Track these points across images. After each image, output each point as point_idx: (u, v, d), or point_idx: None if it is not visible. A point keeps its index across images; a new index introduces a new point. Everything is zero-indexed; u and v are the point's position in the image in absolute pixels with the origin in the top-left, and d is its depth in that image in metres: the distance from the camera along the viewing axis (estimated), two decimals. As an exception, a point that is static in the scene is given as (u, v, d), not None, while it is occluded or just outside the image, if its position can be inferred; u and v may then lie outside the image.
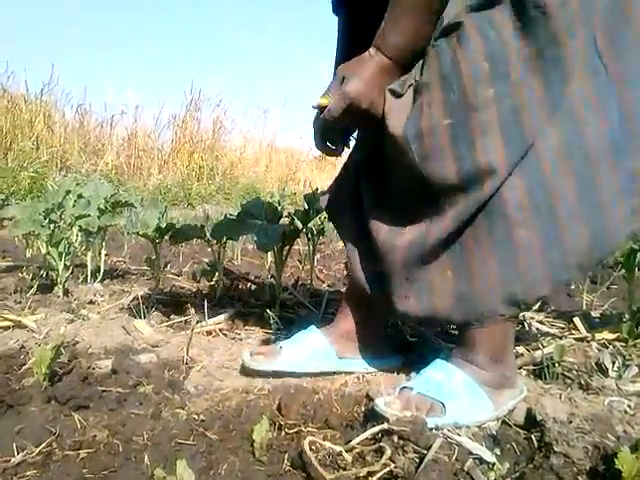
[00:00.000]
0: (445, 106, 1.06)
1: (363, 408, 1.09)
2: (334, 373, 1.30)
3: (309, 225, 2.04)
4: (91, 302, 1.99)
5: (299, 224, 1.93)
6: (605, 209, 1.03)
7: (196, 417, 1.05)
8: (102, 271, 2.39)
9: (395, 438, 0.92)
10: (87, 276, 2.37)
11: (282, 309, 1.92)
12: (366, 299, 1.32)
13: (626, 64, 1.02)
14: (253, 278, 2.42)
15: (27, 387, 1.16)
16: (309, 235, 2.20)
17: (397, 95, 1.13)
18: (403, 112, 1.11)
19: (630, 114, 1.02)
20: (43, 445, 0.91)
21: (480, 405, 1.08)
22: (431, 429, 0.98)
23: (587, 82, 1.01)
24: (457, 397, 1.07)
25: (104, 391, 1.15)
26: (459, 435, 0.98)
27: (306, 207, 1.98)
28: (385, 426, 0.95)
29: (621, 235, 1.06)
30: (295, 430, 1.01)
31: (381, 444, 0.92)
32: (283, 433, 1.01)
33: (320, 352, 1.33)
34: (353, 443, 0.94)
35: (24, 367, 1.26)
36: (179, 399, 1.11)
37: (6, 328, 1.49)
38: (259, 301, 2.02)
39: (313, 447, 0.92)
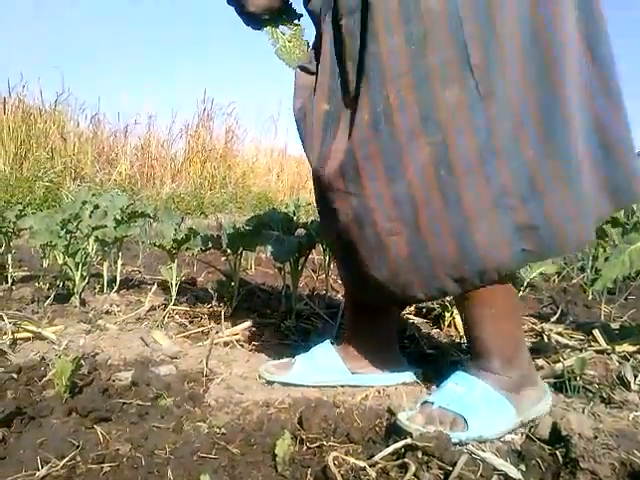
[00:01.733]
0: (327, 92, 1.12)
1: (385, 422, 1.08)
2: (353, 386, 1.29)
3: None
4: (107, 312, 2.00)
5: (315, 235, 1.93)
6: (471, 223, 1.03)
7: (218, 431, 1.05)
8: (118, 281, 2.40)
9: (419, 454, 0.91)
10: (103, 286, 2.38)
11: (298, 320, 1.92)
12: (367, 312, 1.34)
13: (493, 80, 1.01)
14: (268, 288, 2.42)
15: (48, 399, 1.16)
16: (324, 245, 2.20)
17: (309, 72, 1.18)
18: (307, 90, 1.17)
19: (496, 130, 1.02)
20: (67, 459, 0.91)
21: (503, 413, 1.07)
22: (455, 444, 0.97)
23: (458, 95, 1.01)
24: (479, 409, 1.06)
25: (124, 403, 1.15)
26: (483, 451, 0.97)
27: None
28: (408, 441, 0.95)
29: (502, 252, 1.04)
30: (317, 444, 1.01)
31: (405, 460, 0.91)
32: (305, 447, 1.01)
33: (332, 368, 1.33)
34: (376, 458, 0.93)
35: (45, 379, 1.26)
36: (200, 412, 1.11)
37: (26, 339, 1.49)
38: (275, 312, 2.02)
39: (336, 462, 0.91)
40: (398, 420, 1.02)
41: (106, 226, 2.25)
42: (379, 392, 1.22)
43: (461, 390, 1.11)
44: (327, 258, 2.23)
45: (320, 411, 1.08)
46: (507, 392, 1.10)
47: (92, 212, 2.47)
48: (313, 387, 1.28)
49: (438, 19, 1.00)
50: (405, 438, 0.96)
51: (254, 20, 1.26)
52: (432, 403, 1.08)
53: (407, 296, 1.12)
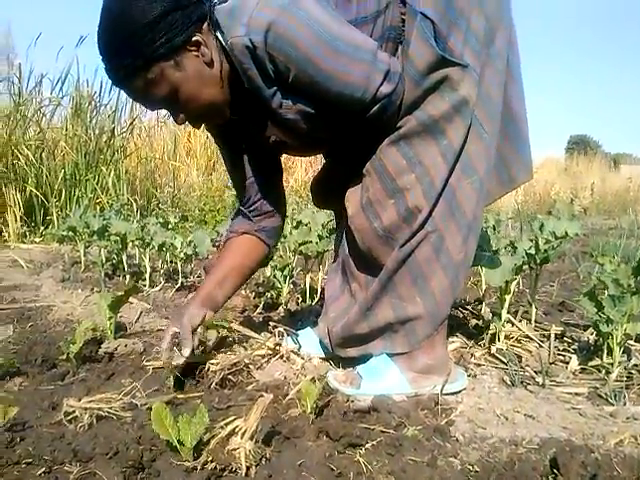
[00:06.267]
0: None
1: (651, 474, 1.01)
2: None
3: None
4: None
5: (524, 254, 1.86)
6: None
7: (470, 468, 1.05)
8: (319, 292, 2.50)
9: None
10: (305, 296, 2.50)
11: (507, 342, 1.87)
12: None
13: None
14: (468, 305, 2.38)
15: (294, 418, 1.23)
16: (531, 264, 2.11)
17: None
18: None
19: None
20: (341, 489, 0.96)
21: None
22: None
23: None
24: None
25: (367, 429, 1.19)
26: None
27: (535, 237, 1.91)
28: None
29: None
30: (578, 493, 0.97)
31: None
32: (566, 495, 0.97)
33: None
34: (655, 518, 0.87)
35: (287, 398, 1.33)
36: (450, 447, 1.12)
37: (263, 356, 1.60)
38: (481, 334, 1.97)
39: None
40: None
41: (311, 241, 2.36)
42: (635, 438, 1.14)
43: None
44: (534, 280, 2.13)
45: (577, 456, 1.04)
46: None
47: (295, 227, 2.61)
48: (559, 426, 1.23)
49: None
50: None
51: None
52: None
53: None
